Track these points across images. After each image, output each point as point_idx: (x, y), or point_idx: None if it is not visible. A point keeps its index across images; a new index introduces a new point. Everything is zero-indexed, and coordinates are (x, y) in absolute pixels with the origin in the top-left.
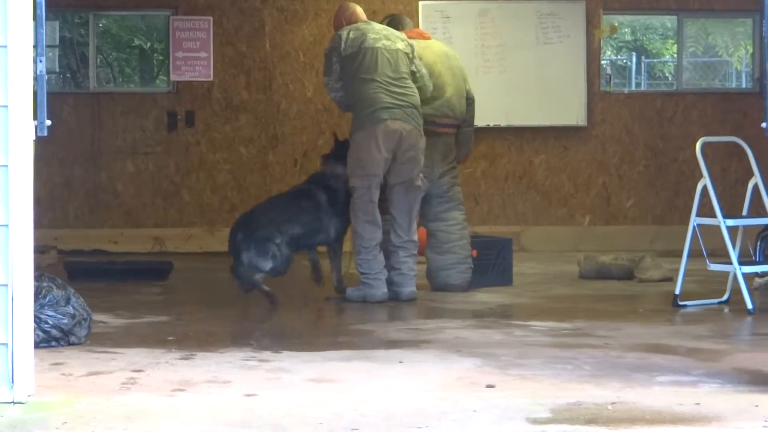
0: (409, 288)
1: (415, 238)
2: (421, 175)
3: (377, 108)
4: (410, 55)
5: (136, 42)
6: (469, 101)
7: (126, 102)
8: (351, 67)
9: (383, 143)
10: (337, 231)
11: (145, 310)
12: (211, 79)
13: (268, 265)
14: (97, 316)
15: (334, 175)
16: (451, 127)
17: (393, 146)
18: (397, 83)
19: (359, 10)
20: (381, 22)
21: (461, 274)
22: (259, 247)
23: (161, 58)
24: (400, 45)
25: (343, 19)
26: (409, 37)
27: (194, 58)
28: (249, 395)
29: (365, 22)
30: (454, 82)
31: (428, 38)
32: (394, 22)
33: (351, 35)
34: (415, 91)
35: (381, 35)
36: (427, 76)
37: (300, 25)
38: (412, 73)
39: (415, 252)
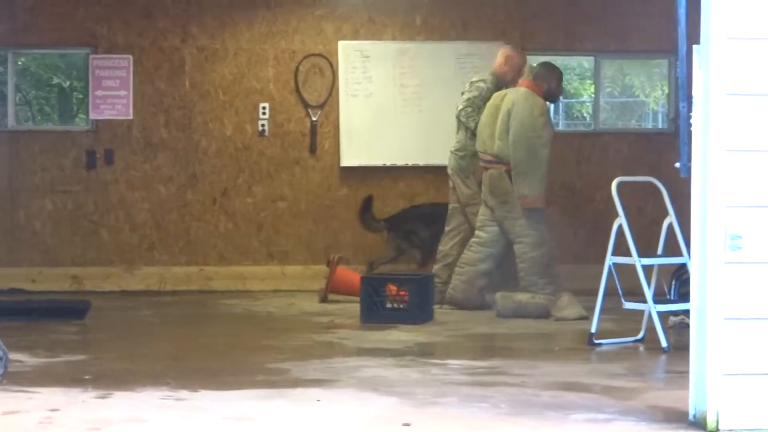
0: None
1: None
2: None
3: None
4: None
5: (56, 80)
6: (512, 144)
7: (45, 140)
8: None
9: None
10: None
11: (63, 349)
12: (131, 117)
13: None
14: (14, 355)
15: None
16: (489, 163)
17: None
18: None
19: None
20: None
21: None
22: None
23: (80, 96)
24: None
25: None
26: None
27: (114, 96)
28: None
29: None
30: (489, 121)
31: (515, 86)
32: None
33: None
34: (458, 139)
35: None
36: (461, 112)
37: (220, 64)
38: None
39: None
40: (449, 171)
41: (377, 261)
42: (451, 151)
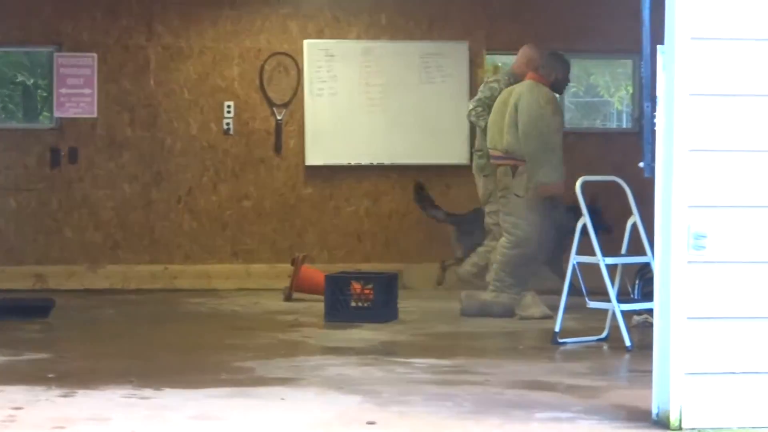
0: None
1: None
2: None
3: None
4: None
5: (20, 78)
6: (522, 136)
7: (9, 138)
8: None
9: None
10: None
11: (26, 348)
12: (95, 115)
13: None
14: None
15: None
16: (499, 159)
17: None
18: None
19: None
20: None
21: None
22: None
23: (45, 94)
24: None
25: None
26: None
27: (78, 94)
28: None
29: None
30: (497, 118)
31: (525, 79)
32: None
33: None
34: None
35: None
36: (471, 112)
37: (185, 63)
38: None
39: None
40: (473, 170)
41: (446, 262)
42: (473, 151)
